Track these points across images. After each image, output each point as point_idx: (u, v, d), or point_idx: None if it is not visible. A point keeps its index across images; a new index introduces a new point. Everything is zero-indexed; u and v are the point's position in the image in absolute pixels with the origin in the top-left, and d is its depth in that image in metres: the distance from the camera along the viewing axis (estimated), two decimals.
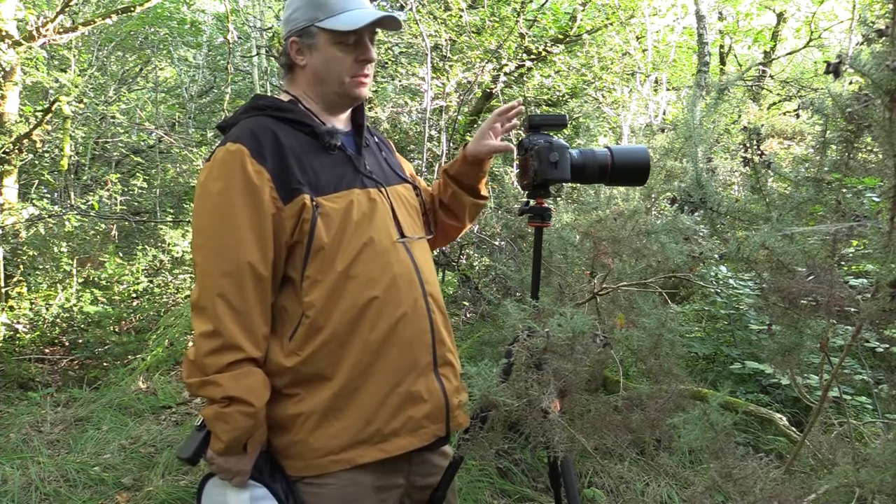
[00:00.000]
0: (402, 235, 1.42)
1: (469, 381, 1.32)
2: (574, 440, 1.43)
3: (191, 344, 1.30)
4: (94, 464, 3.05)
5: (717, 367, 3.63)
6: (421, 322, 1.40)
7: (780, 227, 1.40)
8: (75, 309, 5.75)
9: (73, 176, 8.72)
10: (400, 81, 5.80)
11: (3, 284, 5.52)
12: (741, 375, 3.35)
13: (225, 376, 1.24)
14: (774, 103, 9.44)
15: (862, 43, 1.30)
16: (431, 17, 5.65)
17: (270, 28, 7.10)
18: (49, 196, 8.60)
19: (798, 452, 1.57)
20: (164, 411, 3.97)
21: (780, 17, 9.73)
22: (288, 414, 1.33)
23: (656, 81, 7.25)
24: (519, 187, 1.62)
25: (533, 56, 5.89)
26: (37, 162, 7.70)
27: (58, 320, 5.71)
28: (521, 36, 5.91)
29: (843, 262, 2.18)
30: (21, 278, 5.89)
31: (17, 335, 5.44)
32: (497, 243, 4.53)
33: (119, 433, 3.46)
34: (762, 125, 5.85)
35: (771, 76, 9.14)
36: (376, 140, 1.60)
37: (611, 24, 6.53)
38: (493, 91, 5.91)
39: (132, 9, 5.97)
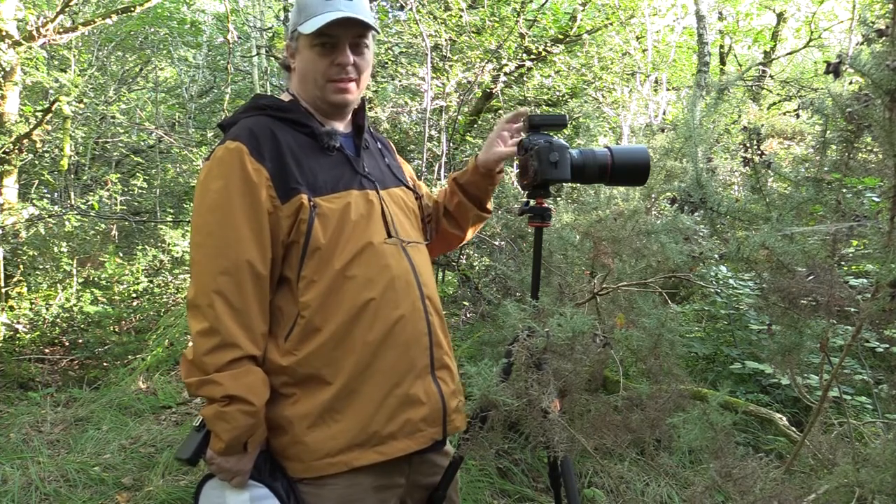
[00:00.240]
0: (391, 236, 1.41)
1: (469, 381, 1.32)
2: (574, 440, 1.43)
3: (190, 344, 1.29)
4: (94, 464, 3.05)
5: (717, 367, 3.63)
6: (418, 325, 1.40)
7: (780, 227, 1.40)
8: (75, 309, 5.75)
9: (73, 176, 8.72)
10: (400, 81, 5.80)
11: (3, 284, 5.52)
12: (741, 375, 3.35)
13: (224, 375, 1.24)
14: (774, 103, 9.44)
15: (862, 43, 1.30)
16: (431, 17, 5.65)
17: (270, 28, 7.11)
18: (49, 196, 8.60)
19: (798, 452, 1.57)
20: (164, 411, 3.97)
21: (780, 17, 9.73)
22: (285, 415, 1.33)
23: (656, 81, 7.26)
24: (519, 187, 1.62)
25: (533, 56, 5.89)
26: (37, 162, 7.70)
27: (58, 320, 5.71)
28: (521, 36, 5.92)
29: (843, 262, 2.18)
30: (21, 278, 5.89)
31: (17, 335, 5.44)
32: (497, 243, 4.53)
33: (119, 433, 3.46)
34: (762, 125, 5.85)
35: (771, 76, 9.14)
36: (379, 144, 1.60)
37: (611, 24, 6.53)
38: (493, 91, 5.91)
39: (132, 9, 5.97)
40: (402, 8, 5.96)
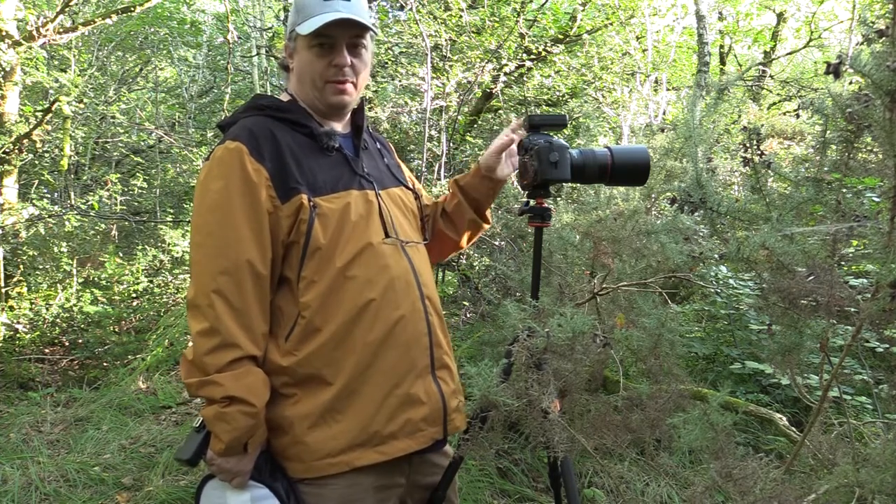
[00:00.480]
0: (388, 236, 1.41)
1: (469, 381, 1.32)
2: (574, 440, 1.43)
3: (190, 344, 1.29)
4: (94, 464, 3.05)
5: (717, 367, 3.63)
6: (418, 325, 1.40)
7: (780, 227, 1.40)
8: (75, 309, 5.75)
9: (73, 176, 8.72)
10: (400, 81, 5.80)
11: (3, 284, 5.52)
12: (741, 375, 3.35)
13: (225, 375, 1.24)
14: (774, 103, 9.44)
15: (862, 43, 1.30)
16: (431, 17, 5.65)
17: (270, 28, 7.11)
18: (49, 196, 8.60)
19: (798, 452, 1.57)
20: (164, 411, 3.97)
21: (780, 17, 9.73)
22: (285, 415, 1.33)
23: (656, 81, 7.26)
24: (519, 187, 1.62)
25: (533, 56, 5.89)
26: (37, 162, 7.70)
27: (58, 320, 5.71)
28: (521, 36, 5.91)
29: (843, 262, 2.18)
30: (21, 278, 5.89)
31: (17, 335, 5.44)
32: (497, 243, 4.53)
33: (119, 433, 3.46)
34: (762, 125, 5.84)
35: (771, 76, 9.14)
36: (378, 144, 1.60)
37: (611, 24, 6.53)
38: (493, 91, 5.91)
39: (132, 9, 5.97)
40: (402, 8, 5.96)
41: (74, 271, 6.21)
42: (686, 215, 1.86)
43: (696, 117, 2.11)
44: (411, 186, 1.60)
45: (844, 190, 1.40)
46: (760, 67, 9.00)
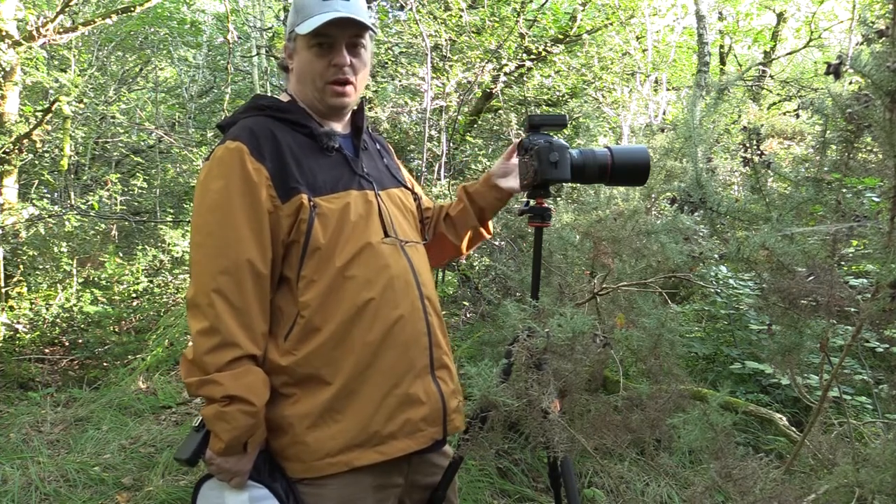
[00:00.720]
0: (388, 236, 1.41)
1: (469, 382, 1.32)
2: (574, 440, 1.43)
3: (190, 344, 1.29)
4: (94, 464, 3.05)
5: (717, 367, 3.63)
6: (418, 325, 1.40)
7: (780, 227, 1.40)
8: (75, 309, 5.75)
9: (73, 176, 8.72)
10: (400, 81, 5.80)
11: (3, 284, 5.52)
12: (741, 375, 3.35)
13: (225, 375, 1.24)
14: (774, 103, 9.44)
15: (862, 43, 1.30)
16: (431, 17, 5.65)
17: (270, 28, 7.11)
18: (49, 196, 8.60)
19: (798, 452, 1.57)
20: (164, 411, 3.97)
21: (780, 17, 9.73)
22: (285, 415, 1.33)
23: (656, 81, 7.26)
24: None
25: (533, 56, 5.89)
26: (37, 162, 7.70)
27: (58, 320, 5.71)
28: (521, 36, 5.91)
29: (843, 262, 2.18)
30: (21, 278, 5.89)
31: (17, 335, 5.44)
32: (497, 243, 4.53)
33: (119, 433, 3.46)
34: (762, 125, 5.85)
35: (771, 76, 9.14)
36: (377, 145, 1.60)
37: (611, 24, 6.53)
38: (493, 91, 5.91)
39: (132, 9, 5.97)
40: (402, 8, 5.96)
41: (74, 271, 6.21)
42: (686, 215, 1.85)
43: (696, 117, 2.11)
44: (410, 187, 1.61)
45: (844, 190, 1.40)
46: (760, 67, 9.01)
